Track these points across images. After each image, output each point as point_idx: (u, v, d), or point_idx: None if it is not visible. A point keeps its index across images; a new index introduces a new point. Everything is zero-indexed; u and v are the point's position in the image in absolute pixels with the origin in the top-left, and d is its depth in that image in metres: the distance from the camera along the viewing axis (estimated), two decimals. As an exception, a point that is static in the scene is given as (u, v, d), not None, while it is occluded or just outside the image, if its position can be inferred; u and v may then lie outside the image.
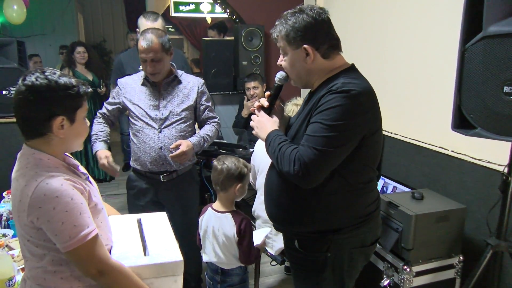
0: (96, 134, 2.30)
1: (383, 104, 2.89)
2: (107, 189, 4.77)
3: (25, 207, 1.21)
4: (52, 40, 5.12)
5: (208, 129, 2.38)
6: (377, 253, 2.25)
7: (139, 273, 1.34)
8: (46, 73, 1.23)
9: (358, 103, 1.38)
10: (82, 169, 1.43)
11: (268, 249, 2.47)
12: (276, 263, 2.85)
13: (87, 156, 4.76)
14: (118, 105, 2.35)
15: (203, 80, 2.43)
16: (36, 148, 1.28)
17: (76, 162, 1.43)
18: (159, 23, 2.86)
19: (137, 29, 2.91)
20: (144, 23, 2.83)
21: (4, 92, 2.99)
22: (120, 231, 1.51)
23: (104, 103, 2.41)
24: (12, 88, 2.96)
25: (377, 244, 2.20)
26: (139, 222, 1.58)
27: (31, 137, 1.28)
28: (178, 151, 2.16)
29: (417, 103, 2.63)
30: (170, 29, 9.22)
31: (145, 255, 1.40)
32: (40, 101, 1.21)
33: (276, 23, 1.53)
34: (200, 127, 2.41)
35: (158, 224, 1.60)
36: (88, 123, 1.39)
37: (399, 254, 2.12)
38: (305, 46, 1.46)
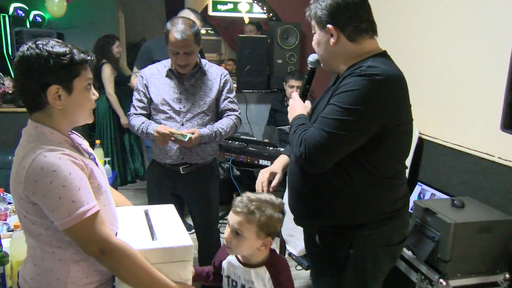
0: (144, 122, 2.19)
1: (422, 107, 2.73)
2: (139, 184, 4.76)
3: (21, 180, 1.16)
4: (92, 36, 5.18)
5: (224, 123, 2.24)
6: (410, 263, 2.09)
7: (146, 258, 1.26)
8: (38, 42, 1.20)
9: (379, 89, 1.29)
10: (89, 149, 1.37)
11: (291, 249, 2.35)
12: (301, 268, 2.72)
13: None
14: (147, 100, 2.25)
15: (226, 71, 2.34)
16: (39, 122, 1.24)
17: (83, 141, 1.37)
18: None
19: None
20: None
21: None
22: (127, 220, 1.44)
23: (134, 102, 2.28)
24: None
25: (411, 253, 2.07)
26: (146, 212, 1.51)
27: (32, 110, 1.24)
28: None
29: (460, 104, 2.44)
30: (209, 31, 9.34)
31: (152, 240, 1.33)
32: (31, 70, 1.17)
33: (311, 1, 1.47)
34: (219, 118, 2.30)
35: (165, 214, 1.53)
36: (96, 95, 1.32)
37: (434, 265, 1.95)
38: (328, 26, 1.40)
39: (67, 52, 1.20)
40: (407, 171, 2.68)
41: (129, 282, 1.26)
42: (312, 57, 1.60)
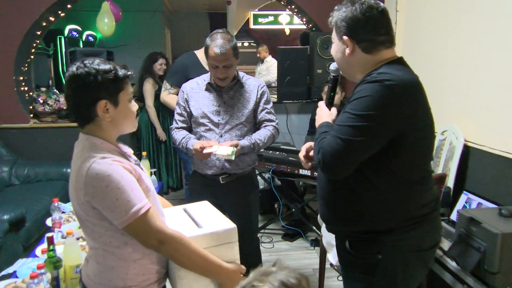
0: (184, 137, 2.29)
1: (467, 113, 2.64)
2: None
3: (81, 186, 1.29)
4: (140, 53, 5.45)
5: (262, 134, 2.29)
6: (456, 274, 2.02)
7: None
8: (85, 62, 1.32)
9: (391, 94, 1.29)
10: (133, 156, 1.49)
11: (331, 259, 2.33)
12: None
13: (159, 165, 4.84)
14: (187, 114, 2.34)
15: (263, 82, 2.39)
16: (90, 134, 1.37)
17: (129, 150, 1.50)
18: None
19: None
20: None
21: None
22: (170, 217, 1.55)
23: (175, 116, 2.38)
24: None
25: (455, 264, 1.99)
26: (185, 210, 1.63)
27: (83, 123, 1.37)
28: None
29: (507, 110, 2.34)
30: (252, 43, 9.52)
31: (198, 228, 1.44)
32: (82, 87, 1.29)
33: (335, 8, 1.49)
34: (257, 129, 2.36)
35: (203, 208, 1.65)
36: (137, 106, 1.45)
37: (481, 277, 1.87)
38: (344, 37, 1.43)
39: (112, 69, 1.33)
40: (452, 180, 2.60)
41: (187, 267, 1.38)
42: (333, 66, 1.64)
